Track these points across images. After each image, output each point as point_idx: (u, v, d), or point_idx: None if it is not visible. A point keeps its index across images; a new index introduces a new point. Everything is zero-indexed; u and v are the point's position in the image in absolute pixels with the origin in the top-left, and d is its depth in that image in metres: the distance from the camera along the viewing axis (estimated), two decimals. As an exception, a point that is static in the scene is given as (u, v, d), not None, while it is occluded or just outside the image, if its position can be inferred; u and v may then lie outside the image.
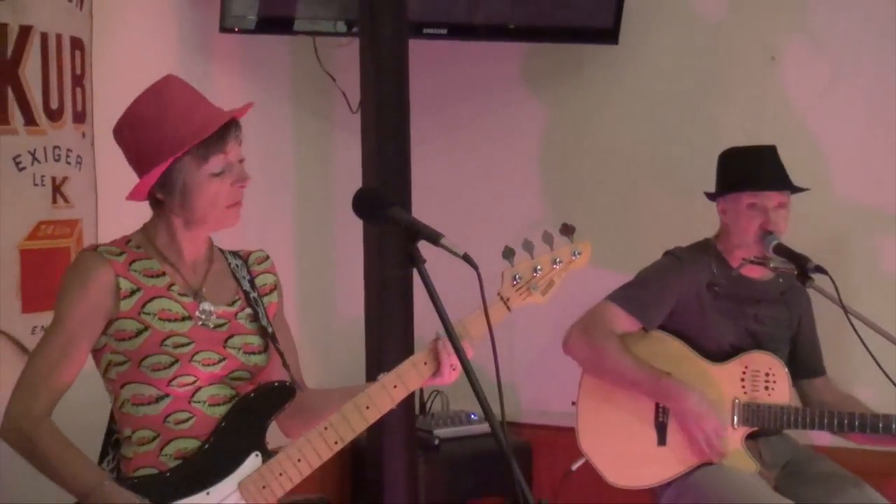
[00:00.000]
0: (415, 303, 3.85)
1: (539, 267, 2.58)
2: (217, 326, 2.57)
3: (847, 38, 4.21)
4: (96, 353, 2.54)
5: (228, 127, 2.51)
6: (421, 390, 3.21)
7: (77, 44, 3.46)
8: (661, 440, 3.72)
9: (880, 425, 3.49)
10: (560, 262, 2.60)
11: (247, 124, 2.63)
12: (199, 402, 2.53)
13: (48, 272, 3.24)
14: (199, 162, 2.48)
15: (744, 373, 3.70)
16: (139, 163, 2.50)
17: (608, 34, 4.40)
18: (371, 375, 2.93)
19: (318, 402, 2.65)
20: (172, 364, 2.49)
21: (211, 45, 4.07)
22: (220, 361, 2.55)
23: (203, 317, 2.55)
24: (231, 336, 2.58)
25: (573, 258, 2.62)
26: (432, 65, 4.38)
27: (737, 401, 3.68)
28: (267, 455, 2.54)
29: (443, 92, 4.68)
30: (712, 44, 4.43)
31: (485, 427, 4.22)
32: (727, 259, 3.74)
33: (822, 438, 3.94)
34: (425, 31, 4.16)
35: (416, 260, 2.36)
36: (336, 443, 2.54)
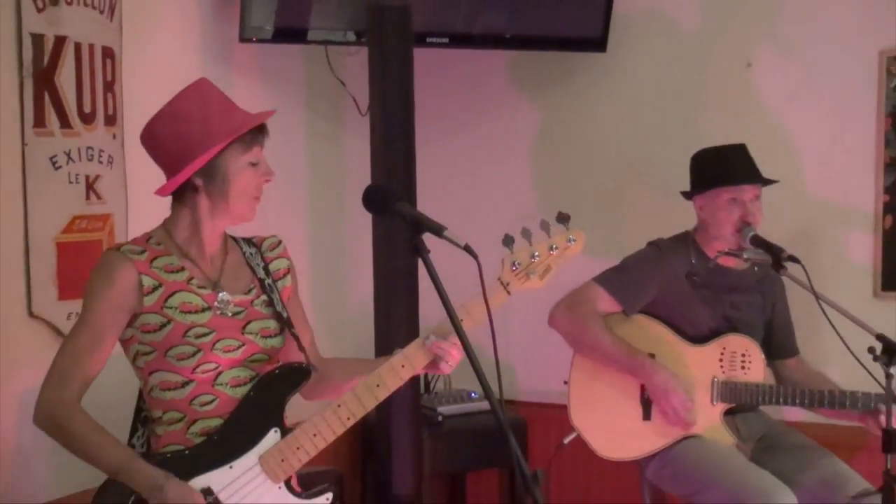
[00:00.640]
0: (420, 290, 3.84)
1: (537, 253, 2.57)
2: (235, 314, 2.56)
3: (816, 43, 4.20)
4: (124, 343, 2.54)
5: (263, 125, 2.54)
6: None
7: (108, 53, 3.46)
8: (647, 416, 3.72)
9: (847, 402, 3.50)
10: (556, 248, 2.59)
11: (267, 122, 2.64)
12: (221, 384, 2.53)
13: (82, 263, 3.24)
14: (242, 150, 2.51)
15: (722, 354, 3.71)
16: (179, 156, 2.49)
17: (597, 43, 4.39)
18: (379, 356, 2.94)
19: (333, 371, 2.67)
20: (195, 353, 2.49)
21: (231, 54, 4.07)
22: (239, 347, 2.55)
23: (221, 306, 2.55)
24: (249, 322, 2.58)
25: (568, 244, 2.60)
26: (435, 71, 4.38)
27: (715, 379, 3.69)
28: (285, 431, 2.54)
29: (444, 96, 4.68)
30: (692, 52, 4.42)
31: (484, 404, 4.22)
32: (705, 250, 3.75)
33: (795, 414, 3.94)
34: (428, 40, 4.16)
35: (420, 250, 2.36)
36: (349, 419, 2.54)
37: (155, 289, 2.50)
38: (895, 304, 4.08)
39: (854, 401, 3.48)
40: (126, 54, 3.54)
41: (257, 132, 2.54)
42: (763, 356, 3.71)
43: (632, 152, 4.53)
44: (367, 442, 4.35)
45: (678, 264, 3.73)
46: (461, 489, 4.71)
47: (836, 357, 3.33)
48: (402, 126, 3.87)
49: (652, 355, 3.68)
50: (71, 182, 3.34)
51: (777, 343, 3.85)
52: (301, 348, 2.64)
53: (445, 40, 4.23)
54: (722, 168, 3.70)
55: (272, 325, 2.61)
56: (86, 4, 3.38)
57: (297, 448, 2.52)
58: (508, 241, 2.54)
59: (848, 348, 3.15)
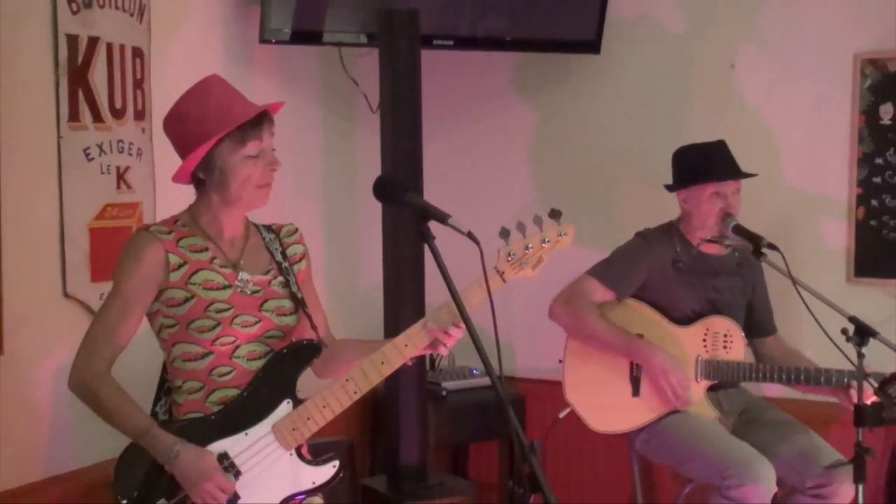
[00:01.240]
0: (426, 274, 3.84)
1: (530, 245, 2.58)
2: (253, 293, 2.57)
3: (795, 46, 4.19)
4: (150, 316, 2.55)
5: (263, 117, 2.51)
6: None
7: (137, 53, 3.45)
8: (635, 392, 3.72)
9: (822, 378, 3.50)
10: (548, 241, 2.59)
11: (282, 122, 2.64)
12: (238, 357, 2.53)
13: (113, 247, 3.22)
14: (237, 145, 2.49)
15: (705, 334, 3.71)
16: (184, 148, 2.50)
17: (591, 46, 4.38)
18: (388, 337, 2.93)
19: (344, 351, 2.66)
20: (215, 327, 2.50)
21: (251, 55, 4.06)
22: (256, 323, 2.55)
23: (241, 285, 2.55)
24: (265, 301, 2.58)
25: (559, 238, 2.61)
26: (441, 71, 4.37)
27: (699, 358, 3.69)
28: (297, 402, 2.54)
29: (450, 95, 4.67)
30: (679, 54, 4.41)
31: (485, 380, 4.22)
32: (688, 239, 3.75)
33: (773, 390, 3.94)
34: (435, 42, 4.15)
35: (427, 237, 2.37)
36: (355, 392, 2.54)
37: (180, 266, 2.51)
38: (867, 289, 4.08)
39: (829, 377, 3.48)
40: (154, 54, 3.53)
41: (255, 126, 2.50)
42: (743, 336, 3.71)
43: (623, 147, 4.53)
44: (377, 415, 4.35)
45: (664, 252, 3.73)
46: (464, 459, 4.71)
47: (812, 338, 3.33)
48: (410, 122, 3.86)
49: (640, 336, 3.68)
50: (103, 172, 3.33)
51: (756, 323, 3.85)
52: (313, 327, 2.64)
53: (451, 43, 4.23)
54: (706, 164, 3.70)
55: (287, 304, 2.61)
56: (117, 7, 3.37)
57: (308, 418, 2.53)
58: (505, 233, 2.56)
59: (823, 330, 3.15)
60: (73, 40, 3.23)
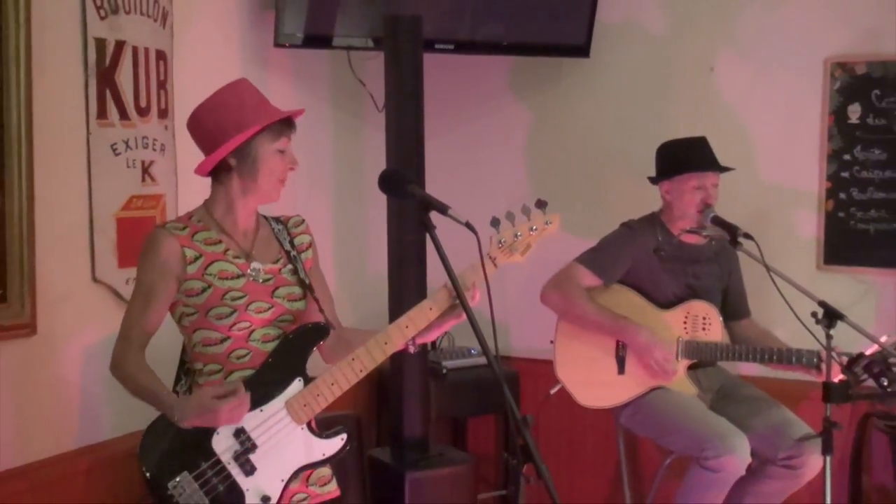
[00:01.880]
0: (427, 260, 3.83)
1: (519, 233, 2.57)
2: (265, 281, 2.56)
3: (770, 51, 4.18)
4: (172, 306, 2.55)
5: (292, 119, 2.55)
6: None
7: (161, 55, 3.44)
8: (621, 370, 3.72)
9: (793, 358, 3.50)
10: (535, 229, 2.59)
11: (297, 121, 2.63)
12: (254, 340, 2.53)
13: (138, 236, 3.20)
14: (273, 138, 2.51)
15: (686, 317, 3.71)
16: (219, 135, 2.49)
17: (581, 50, 4.37)
18: (392, 320, 2.91)
19: (351, 338, 2.64)
20: (232, 313, 2.49)
21: (267, 57, 4.04)
22: (269, 309, 2.54)
23: (254, 274, 2.55)
24: (277, 288, 2.57)
25: (546, 226, 2.61)
26: (442, 74, 4.36)
27: (680, 339, 3.69)
28: (307, 380, 2.53)
29: (450, 95, 4.66)
30: (663, 57, 4.40)
31: (482, 359, 4.20)
32: (670, 228, 3.75)
33: (748, 368, 3.94)
34: (437, 46, 4.14)
35: (428, 226, 2.36)
36: (361, 371, 2.53)
37: (196, 259, 2.50)
38: (835, 276, 4.08)
39: (799, 357, 3.48)
40: (176, 57, 3.52)
41: (286, 125, 2.54)
42: (721, 319, 3.71)
43: (610, 144, 4.52)
44: (383, 391, 4.35)
45: (647, 241, 3.73)
46: (462, 432, 4.71)
47: (784, 321, 3.32)
48: (413, 120, 3.85)
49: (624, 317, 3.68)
50: (129, 166, 3.32)
51: (732, 307, 3.85)
52: (321, 310, 2.63)
53: (451, 47, 4.22)
54: (688, 158, 3.69)
55: (297, 290, 2.61)
56: (142, 13, 3.36)
57: (318, 395, 2.52)
58: (495, 222, 2.55)
59: (794, 313, 3.14)
60: (101, 44, 3.22)
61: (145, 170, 3.38)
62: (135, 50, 3.33)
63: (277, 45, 3.95)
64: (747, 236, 3.46)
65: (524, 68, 4.65)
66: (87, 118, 3.19)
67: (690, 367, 3.71)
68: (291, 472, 2.52)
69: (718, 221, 3.58)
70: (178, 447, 2.45)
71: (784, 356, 3.51)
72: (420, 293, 3.79)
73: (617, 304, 3.71)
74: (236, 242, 2.57)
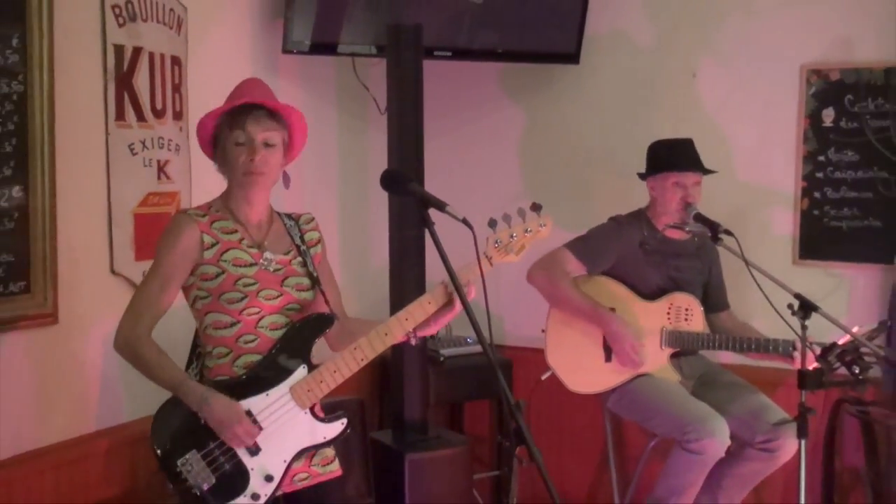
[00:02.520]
0: (426, 255, 3.82)
1: (514, 234, 2.57)
2: (276, 270, 2.55)
3: (749, 58, 4.17)
4: (185, 289, 2.54)
5: (250, 110, 2.48)
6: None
7: (176, 61, 3.43)
8: (608, 358, 3.72)
9: (770, 347, 3.49)
10: (530, 231, 2.60)
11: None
12: (262, 327, 2.52)
13: (154, 231, 3.20)
14: (228, 130, 2.49)
15: (669, 308, 3.70)
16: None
17: (572, 57, 4.36)
18: (394, 310, 2.90)
19: (355, 328, 2.63)
20: (243, 299, 2.49)
21: (276, 63, 4.02)
22: (278, 297, 2.53)
23: (265, 263, 2.54)
24: (287, 278, 2.57)
25: (540, 228, 2.61)
26: (441, 79, 4.34)
27: (664, 329, 3.68)
28: (311, 367, 2.53)
29: (449, 99, 4.64)
30: (648, 64, 4.39)
31: (478, 347, 4.21)
32: (655, 224, 3.74)
33: (728, 356, 3.93)
34: (436, 53, 4.12)
35: (427, 222, 2.36)
36: (362, 359, 2.53)
37: (213, 245, 2.50)
38: (810, 270, 4.07)
39: (776, 346, 3.47)
40: (190, 62, 3.50)
41: (240, 114, 2.48)
42: (702, 310, 3.70)
43: (598, 145, 4.50)
44: (384, 377, 4.34)
45: (633, 235, 3.72)
46: (459, 415, 4.70)
47: (762, 312, 3.32)
48: (413, 122, 3.83)
49: (613, 309, 3.67)
50: (145, 165, 3.31)
51: (712, 300, 3.84)
52: (327, 302, 2.62)
53: (449, 54, 4.20)
54: (671, 157, 3.69)
55: (305, 281, 2.60)
56: (158, 21, 3.35)
57: (321, 381, 2.51)
58: (492, 223, 2.56)
59: (771, 305, 3.13)
60: (119, 50, 3.20)
61: (161, 168, 3.37)
62: (151, 56, 3.31)
63: (286, 51, 3.93)
64: (728, 232, 3.45)
65: (518, 74, 4.63)
66: (106, 120, 3.18)
67: (673, 356, 3.70)
68: (294, 452, 2.52)
69: (700, 218, 3.57)
70: (188, 427, 2.45)
71: (762, 346, 3.50)
72: (419, 285, 3.78)
73: (601, 295, 3.70)
74: (250, 233, 2.56)
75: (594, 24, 4.36)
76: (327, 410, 2.60)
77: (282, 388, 2.50)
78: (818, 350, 3.20)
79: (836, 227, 4.05)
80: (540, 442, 2.14)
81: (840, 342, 3.11)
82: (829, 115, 4.05)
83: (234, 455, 2.46)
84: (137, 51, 3.26)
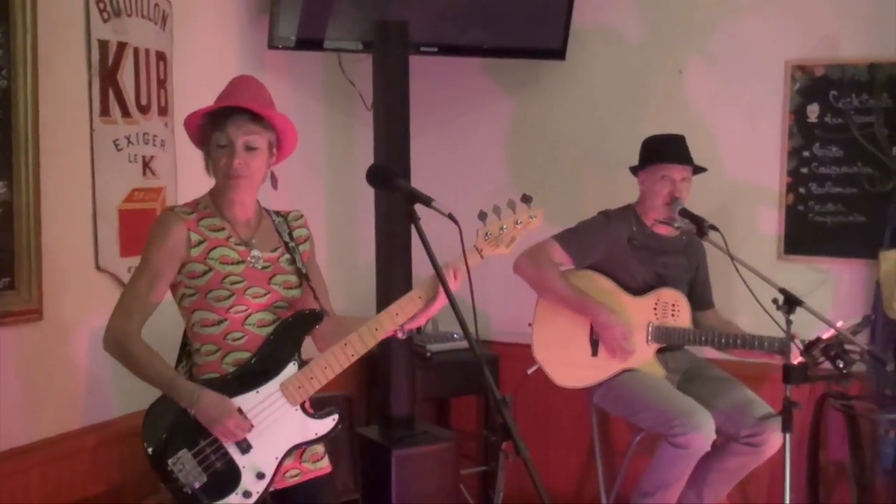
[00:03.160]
0: (413, 249, 3.81)
1: (504, 227, 2.56)
2: (264, 268, 2.54)
3: (735, 55, 4.19)
4: (173, 287, 2.52)
5: (230, 113, 2.46)
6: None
7: (161, 56, 3.41)
8: (594, 352, 3.72)
9: (756, 343, 3.50)
10: (520, 223, 2.58)
11: (290, 119, 2.59)
12: (249, 324, 2.51)
13: (140, 227, 3.21)
14: (210, 132, 2.48)
15: (656, 304, 3.70)
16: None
17: (558, 53, 4.36)
18: (380, 306, 2.89)
19: (342, 326, 2.62)
20: (230, 297, 2.48)
21: (262, 59, 4.01)
22: (265, 294, 2.52)
23: (253, 261, 2.53)
24: (274, 275, 2.55)
25: (530, 220, 2.60)
26: (427, 74, 4.33)
27: (650, 324, 3.68)
28: (301, 364, 2.52)
29: (435, 95, 4.64)
30: (634, 60, 4.39)
31: (465, 343, 4.21)
32: (643, 219, 3.73)
33: (713, 351, 3.93)
34: (422, 49, 4.11)
35: (413, 217, 2.35)
36: (353, 355, 2.51)
37: (200, 243, 2.48)
38: (795, 265, 4.09)
39: (761, 343, 3.48)
40: (176, 57, 3.49)
41: (222, 117, 2.46)
42: (689, 306, 3.70)
43: (585, 140, 4.51)
44: (372, 372, 4.34)
45: (621, 230, 3.72)
46: (446, 411, 4.71)
47: (748, 307, 3.32)
48: (399, 118, 3.83)
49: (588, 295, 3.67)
50: (130, 161, 3.30)
51: (698, 297, 3.84)
52: (316, 298, 2.61)
53: (436, 50, 4.19)
54: (660, 150, 3.69)
55: (293, 279, 2.59)
56: (143, 16, 3.33)
57: (311, 378, 2.50)
58: (482, 216, 2.55)
59: (757, 300, 3.14)
60: (104, 45, 3.19)
61: (146, 164, 3.35)
62: (136, 51, 3.30)
63: (271, 47, 3.91)
64: (713, 228, 3.46)
65: (504, 70, 4.63)
66: (91, 115, 3.17)
67: (659, 351, 3.70)
68: (285, 450, 2.51)
69: (686, 213, 3.58)
70: (179, 426, 2.44)
71: (747, 342, 3.51)
72: (406, 280, 3.78)
73: (589, 289, 3.70)
74: (237, 231, 2.55)
75: (580, 20, 4.36)
76: (316, 406, 2.59)
77: (272, 385, 2.49)
78: (802, 345, 3.20)
79: (820, 222, 4.06)
80: (526, 437, 2.14)
81: (824, 337, 3.12)
82: (813, 111, 4.06)
83: (226, 453, 2.45)
84: (122, 46, 3.25)
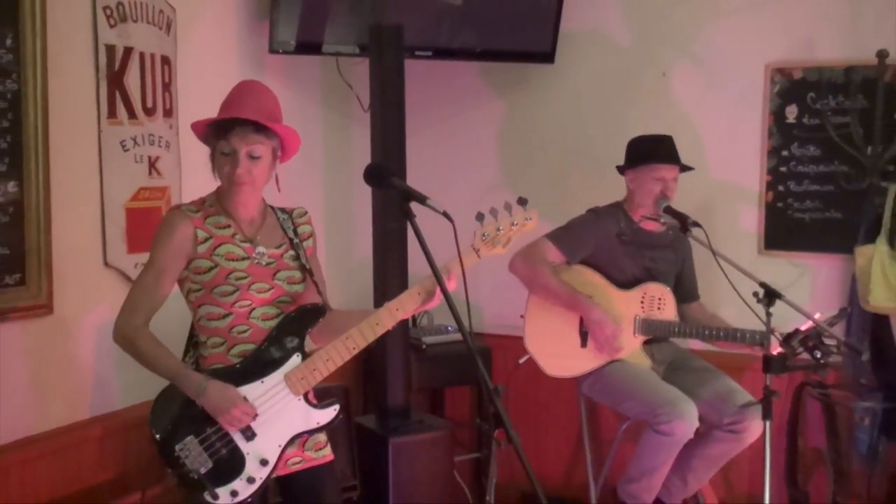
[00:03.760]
0: (409, 246, 3.82)
1: (500, 228, 2.57)
2: (268, 264, 2.55)
3: (717, 58, 4.19)
4: (180, 282, 2.53)
5: (234, 124, 2.45)
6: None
7: (166, 60, 3.41)
8: (583, 343, 3.72)
9: (737, 335, 3.51)
10: (516, 224, 2.59)
11: (289, 119, 2.61)
12: (254, 318, 2.52)
13: (146, 224, 3.23)
14: (214, 139, 2.48)
15: (643, 297, 3.71)
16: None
17: (547, 56, 4.37)
18: (377, 301, 2.91)
19: (339, 320, 2.62)
20: (234, 292, 2.48)
21: (262, 62, 4.01)
22: (269, 290, 2.53)
23: (257, 257, 2.53)
24: (278, 271, 2.56)
25: (526, 222, 2.61)
26: (422, 77, 4.33)
27: (637, 317, 3.69)
28: (305, 356, 2.53)
29: (429, 97, 4.63)
30: (621, 63, 4.40)
31: (458, 335, 4.22)
32: (631, 216, 3.74)
33: (697, 343, 3.95)
34: (417, 53, 4.12)
35: (409, 215, 2.35)
36: (354, 348, 2.52)
37: (206, 240, 2.49)
38: (775, 260, 4.10)
39: (742, 336, 3.49)
40: (180, 61, 3.48)
41: (226, 128, 2.45)
42: (674, 300, 3.71)
43: (573, 140, 4.52)
44: (368, 364, 4.34)
45: (610, 226, 3.73)
46: (440, 401, 4.71)
47: (729, 300, 3.33)
48: (395, 119, 3.83)
49: (590, 297, 3.68)
50: (137, 161, 3.30)
51: (684, 290, 3.85)
52: (320, 293, 2.62)
53: (430, 53, 4.20)
54: (652, 151, 3.69)
55: (297, 274, 2.60)
56: (148, 22, 3.33)
57: (314, 369, 2.51)
58: (480, 217, 2.56)
59: (738, 293, 3.15)
60: (110, 49, 3.18)
61: (152, 164, 3.35)
62: (142, 55, 3.30)
63: (272, 51, 3.92)
64: (696, 224, 3.47)
65: (496, 73, 4.64)
66: (99, 117, 3.16)
67: (645, 342, 3.72)
68: (288, 438, 2.52)
69: (670, 211, 3.58)
70: (186, 414, 2.45)
71: (729, 335, 3.52)
72: (402, 275, 3.78)
73: (579, 283, 3.71)
74: (242, 228, 2.55)
75: (569, 24, 4.37)
76: (318, 397, 2.60)
77: (276, 376, 2.50)
78: (781, 336, 3.21)
79: (799, 218, 4.07)
80: (518, 425, 2.15)
81: (803, 328, 3.13)
82: (792, 112, 4.07)
83: (231, 440, 2.46)
84: (128, 51, 3.24)
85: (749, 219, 4.16)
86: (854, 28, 3.94)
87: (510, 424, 2.11)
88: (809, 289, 4.03)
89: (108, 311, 2.54)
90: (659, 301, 3.70)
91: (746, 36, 4.13)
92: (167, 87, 3.41)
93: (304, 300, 2.61)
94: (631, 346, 3.69)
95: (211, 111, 2.52)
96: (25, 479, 2.91)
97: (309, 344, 2.57)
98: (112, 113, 3.19)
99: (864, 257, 3.71)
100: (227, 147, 2.45)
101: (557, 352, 3.75)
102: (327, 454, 2.66)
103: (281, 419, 2.50)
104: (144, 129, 3.31)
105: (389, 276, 3.78)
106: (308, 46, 4.02)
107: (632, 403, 3.58)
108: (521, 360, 3.81)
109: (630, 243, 3.71)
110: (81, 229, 3.15)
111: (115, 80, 3.20)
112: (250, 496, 2.47)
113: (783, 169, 4.10)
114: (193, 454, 2.43)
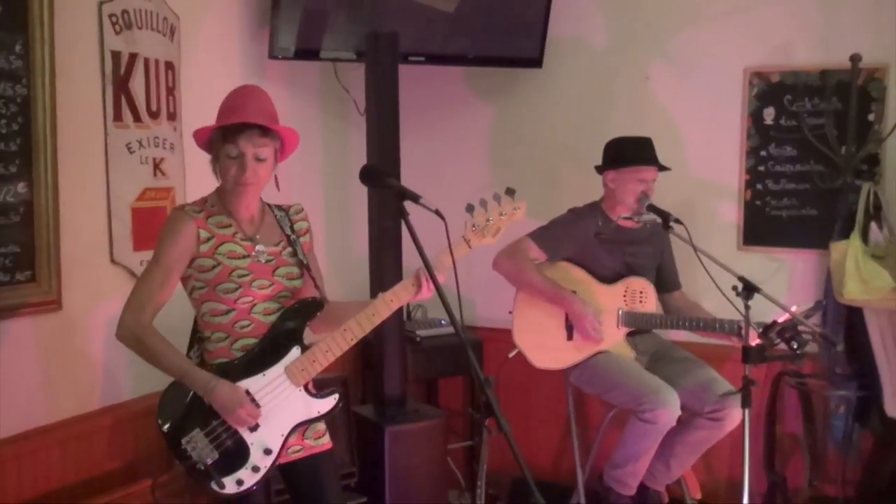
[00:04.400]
0: (403, 242, 3.82)
1: (490, 218, 2.56)
2: (268, 261, 2.54)
3: (697, 62, 4.20)
4: (184, 280, 2.52)
5: (243, 128, 2.44)
6: (408, 304, 3.22)
7: (169, 65, 3.40)
8: (570, 337, 3.73)
9: (717, 326, 3.52)
10: (505, 214, 2.57)
11: (290, 122, 2.59)
12: (256, 313, 2.51)
13: (151, 223, 3.23)
14: (221, 143, 2.46)
15: (625, 291, 3.71)
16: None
17: (535, 62, 4.37)
18: (374, 293, 2.89)
19: (337, 312, 2.62)
20: (237, 289, 2.48)
21: (263, 68, 4.00)
22: (270, 286, 2.53)
23: (258, 255, 2.53)
24: (278, 268, 2.55)
25: (514, 211, 2.59)
26: (416, 82, 4.33)
27: (620, 310, 3.70)
28: (304, 348, 2.53)
29: (423, 100, 4.63)
30: (605, 67, 4.40)
31: (451, 329, 4.20)
32: (609, 215, 3.74)
33: (678, 334, 3.95)
34: (411, 58, 4.12)
35: (403, 213, 2.34)
36: (352, 339, 2.52)
37: (209, 239, 2.48)
38: (753, 255, 4.11)
39: (722, 326, 3.50)
40: (183, 67, 3.48)
41: (235, 132, 2.44)
42: (655, 293, 3.72)
43: (560, 141, 4.52)
44: (366, 356, 4.35)
45: (589, 225, 3.74)
46: (435, 391, 4.71)
47: (709, 294, 3.34)
48: (390, 122, 3.82)
49: (574, 292, 3.68)
50: (142, 163, 3.29)
51: (665, 280, 3.86)
52: (317, 287, 2.62)
53: (423, 59, 4.20)
54: (635, 153, 3.69)
55: (295, 270, 2.59)
56: (152, 28, 3.32)
57: (314, 361, 2.51)
58: (470, 208, 2.54)
59: (718, 287, 3.15)
60: (116, 55, 3.18)
61: (156, 166, 3.34)
62: (146, 61, 3.29)
63: (272, 57, 3.91)
64: (678, 221, 3.46)
65: (486, 77, 4.64)
66: (105, 121, 3.16)
67: (629, 334, 3.72)
68: (290, 427, 2.52)
69: (653, 209, 3.58)
70: (193, 407, 2.45)
71: (709, 325, 3.53)
72: (396, 271, 3.78)
73: (563, 279, 3.71)
74: (243, 227, 2.55)
75: (556, 29, 4.37)
76: (317, 387, 2.59)
77: (277, 368, 2.50)
78: (760, 328, 3.21)
79: (776, 216, 4.08)
80: (508, 414, 2.15)
81: (780, 320, 3.13)
82: (769, 114, 4.08)
83: (235, 432, 2.46)
84: (133, 56, 3.23)
85: (729, 216, 4.17)
86: (828, 34, 3.94)
87: (501, 413, 2.10)
88: (786, 283, 4.04)
89: (115, 306, 2.52)
90: (641, 294, 3.70)
91: (725, 41, 4.13)
92: (171, 91, 3.40)
93: (303, 294, 2.61)
94: (615, 338, 3.69)
95: (214, 115, 2.51)
96: (38, 466, 2.91)
97: (308, 336, 2.56)
98: (118, 116, 3.19)
99: (838, 252, 3.72)
100: (235, 150, 2.45)
101: (545, 345, 3.75)
102: (326, 442, 2.66)
103: (283, 410, 2.50)
104: (149, 131, 3.30)
105: (385, 270, 3.78)
106: (307, 52, 4.01)
107: (617, 392, 3.59)
108: (511, 354, 3.81)
109: (609, 241, 3.71)
110: (89, 228, 3.14)
111: (121, 84, 3.19)
112: (255, 484, 2.47)
113: (761, 168, 4.10)
114: (200, 446, 2.43)
